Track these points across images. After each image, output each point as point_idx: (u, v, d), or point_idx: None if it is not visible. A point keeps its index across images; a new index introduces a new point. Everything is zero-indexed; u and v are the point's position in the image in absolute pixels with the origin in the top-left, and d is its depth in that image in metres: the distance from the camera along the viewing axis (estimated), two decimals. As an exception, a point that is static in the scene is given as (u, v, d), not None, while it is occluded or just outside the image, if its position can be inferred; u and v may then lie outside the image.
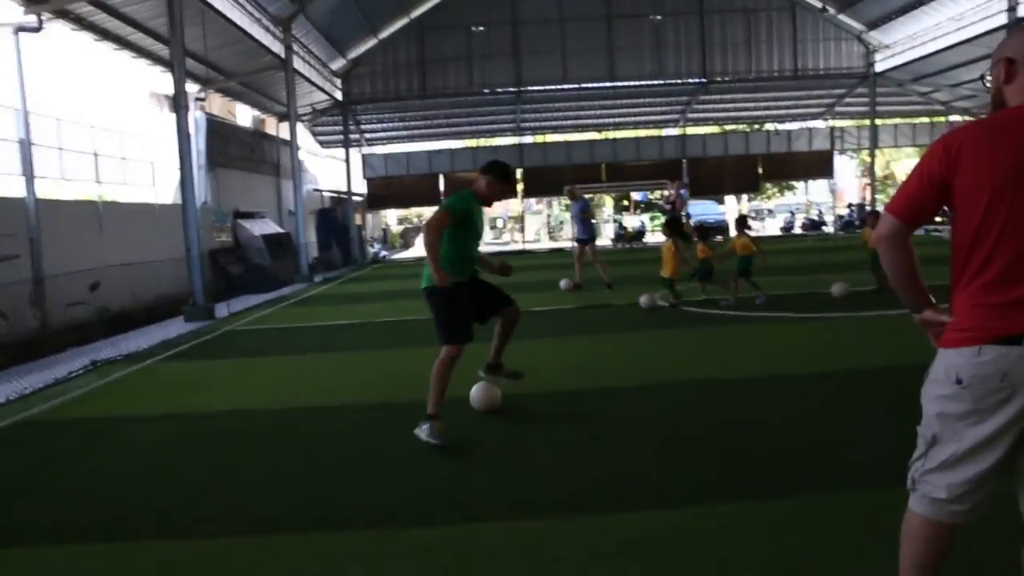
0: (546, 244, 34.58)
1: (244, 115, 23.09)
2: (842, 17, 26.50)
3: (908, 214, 2.03)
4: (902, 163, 42.68)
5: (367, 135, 29.92)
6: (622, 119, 30.49)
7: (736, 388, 5.49)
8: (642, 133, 31.83)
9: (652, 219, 39.88)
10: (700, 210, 33.12)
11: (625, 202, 50.37)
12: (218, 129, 19.61)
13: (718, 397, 5.28)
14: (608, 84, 26.51)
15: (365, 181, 28.18)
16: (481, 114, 28.56)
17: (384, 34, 25.00)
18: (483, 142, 33.00)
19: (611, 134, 31.78)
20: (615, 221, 35.68)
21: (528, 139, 30.63)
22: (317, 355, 7.96)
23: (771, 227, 36.65)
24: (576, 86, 26.48)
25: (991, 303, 1.91)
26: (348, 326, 10.12)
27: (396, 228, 45.25)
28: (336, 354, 7.96)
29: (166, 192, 17.50)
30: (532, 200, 35.59)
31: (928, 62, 25.07)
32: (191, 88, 15.91)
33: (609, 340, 7.86)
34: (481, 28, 23.95)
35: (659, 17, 25.93)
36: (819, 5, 26.36)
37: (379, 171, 28.27)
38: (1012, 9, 20.21)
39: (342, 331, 9.72)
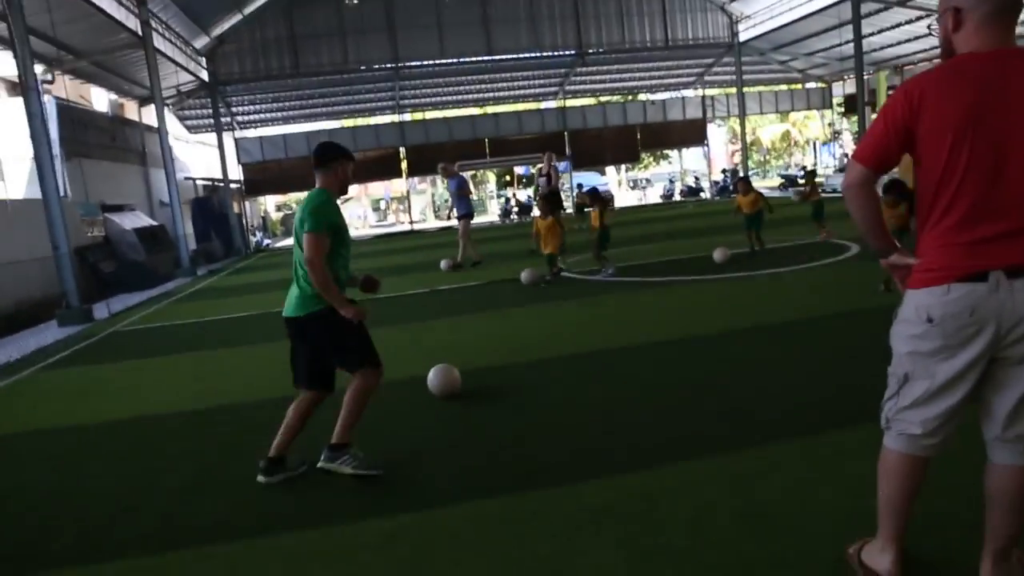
0: (433, 223, 34.27)
1: (100, 99, 21.25)
2: (707, -12, 27.56)
3: (874, 160, 2.08)
4: (767, 128, 45.25)
5: (239, 118, 28.38)
6: (502, 93, 30.49)
7: (656, 350, 5.63)
8: (522, 107, 32.01)
9: (535, 192, 40.43)
10: (583, 182, 33.84)
11: (508, 177, 50.76)
12: (72, 115, 17.96)
13: (644, 360, 5.39)
14: (486, 58, 26.35)
15: (240, 167, 26.77)
16: (359, 92, 27.72)
17: (249, 9, 23.63)
18: (361, 121, 32.13)
19: (492, 109, 31.71)
20: (501, 197, 35.83)
21: (408, 116, 30.07)
22: (217, 351, 7.48)
23: (651, 196, 37.92)
24: (454, 61, 26.16)
25: (957, 242, 1.99)
26: (245, 319, 9.59)
27: (275, 215, 43.42)
28: (239, 349, 7.52)
29: (16, 186, 15.89)
30: (416, 179, 35.02)
31: (785, 32, 26.56)
32: (37, 69, 14.43)
33: (512, 314, 7.87)
34: (354, 2, 23.07)
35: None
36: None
37: (255, 156, 26.90)
38: (858, -20, 21.65)
39: (240, 324, 9.21)
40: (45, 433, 5.03)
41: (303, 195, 32.77)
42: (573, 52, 27.06)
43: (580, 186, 22.87)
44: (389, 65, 25.38)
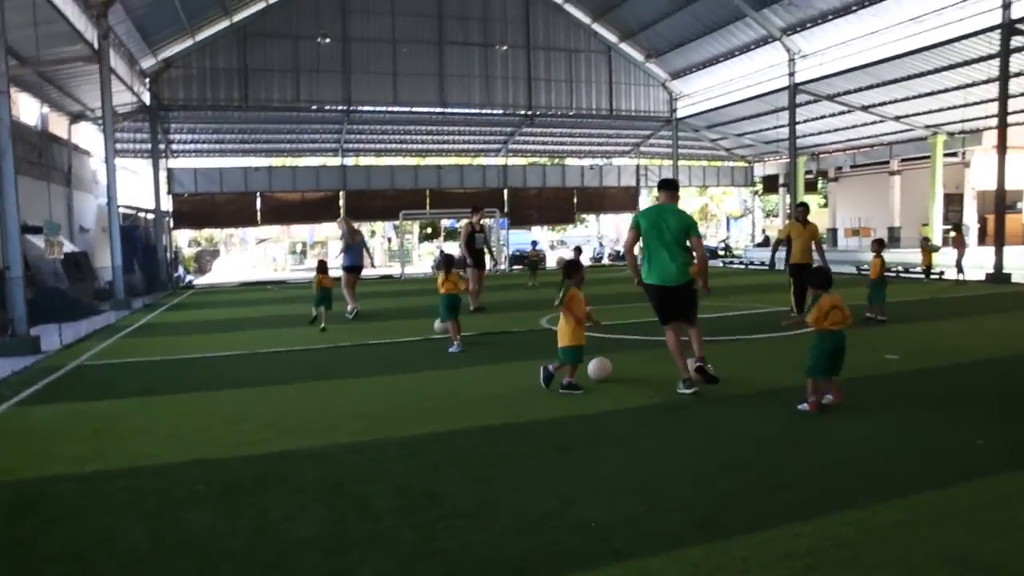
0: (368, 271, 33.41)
1: (29, 111, 19.68)
2: (650, 65, 28.92)
3: None
4: (686, 201, 47.27)
5: (174, 146, 27.03)
6: (447, 146, 30.56)
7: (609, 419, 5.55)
8: (465, 161, 32.19)
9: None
10: (517, 239, 34.17)
11: (429, 229, 50.58)
12: None
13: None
14: (438, 110, 26.43)
15: (171, 197, 25.38)
16: (304, 131, 27.09)
17: (203, 35, 22.81)
18: (302, 161, 31.33)
19: (434, 160, 31.67)
20: (439, 250, 35.57)
21: (350, 160, 29.57)
22: (217, 392, 6.79)
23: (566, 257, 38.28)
24: (407, 109, 26.08)
25: None
26: (225, 359, 8.85)
27: (187, 250, 41.29)
28: (245, 390, 6.82)
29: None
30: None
31: (719, 112, 28.15)
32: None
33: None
34: (326, 41, 22.87)
35: (503, 48, 26.47)
36: (633, 54, 28.55)
37: (187, 187, 25.62)
38: (792, 74, 23.36)
39: (223, 364, 8.48)
40: (92, 479, 4.34)
41: (238, 231, 31.18)
42: (524, 112, 27.58)
43: (535, 243, 22.97)
44: (341, 107, 24.99)
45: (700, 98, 28.75)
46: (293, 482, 4.16)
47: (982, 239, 26.23)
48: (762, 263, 26.47)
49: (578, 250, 14.63)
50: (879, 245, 11.07)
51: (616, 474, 4.13)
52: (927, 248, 17.76)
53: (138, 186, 25.91)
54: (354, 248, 13.24)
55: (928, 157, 26.34)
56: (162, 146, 24.72)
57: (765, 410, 5.61)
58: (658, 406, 5.76)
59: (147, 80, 22.27)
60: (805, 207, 11.92)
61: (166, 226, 24.83)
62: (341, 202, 27.72)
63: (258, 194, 26.66)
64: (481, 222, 13.71)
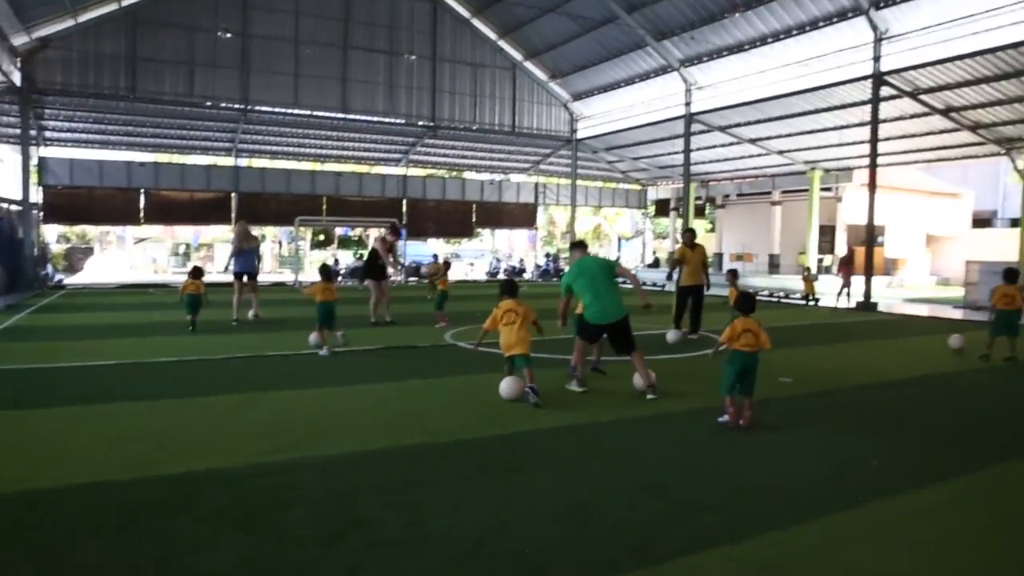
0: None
1: None
2: (553, 85, 29.49)
3: None
4: (585, 220, 48.37)
5: (48, 133, 24.97)
6: (347, 152, 29.89)
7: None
8: (364, 169, 31.61)
9: (356, 255, 39.69)
10: (414, 251, 33.88)
11: (322, 236, 49.31)
12: None
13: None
14: (340, 115, 25.83)
15: (40, 188, 23.42)
16: (197, 128, 25.70)
17: (86, 17, 21.24)
18: (192, 159, 29.73)
19: (333, 167, 30.90)
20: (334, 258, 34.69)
21: (244, 162, 28.37)
22: (102, 406, 6.23)
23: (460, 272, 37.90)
24: (308, 112, 25.31)
25: None
26: (111, 368, 8.20)
27: (56, 247, 38.22)
28: (127, 404, 6.28)
29: None
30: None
31: (617, 136, 29.06)
32: None
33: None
34: (227, 35, 21.86)
35: (412, 57, 26.23)
36: (538, 73, 29.03)
37: (61, 179, 23.74)
38: (688, 104, 24.45)
39: (106, 373, 7.85)
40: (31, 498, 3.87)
41: (118, 229, 29.14)
42: (428, 124, 27.42)
43: (435, 256, 22.78)
44: (237, 106, 23.93)
45: (600, 120, 29.56)
46: (200, 508, 3.86)
47: (839, 269, 28.39)
48: (654, 284, 27.51)
49: (447, 264, 14.97)
50: (733, 276, 11.73)
51: (542, 498, 4.10)
52: (807, 278, 19.05)
53: (3, 174, 23.79)
54: (245, 253, 13.03)
55: (806, 190, 28.26)
56: (33, 132, 22.78)
57: (682, 431, 5.76)
58: (577, 427, 5.79)
59: (18, 59, 20.48)
60: (692, 232, 12.64)
61: (35, 220, 22.88)
62: (233, 204, 26.51)
63: (142, 191, 25.07)
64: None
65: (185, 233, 41.82)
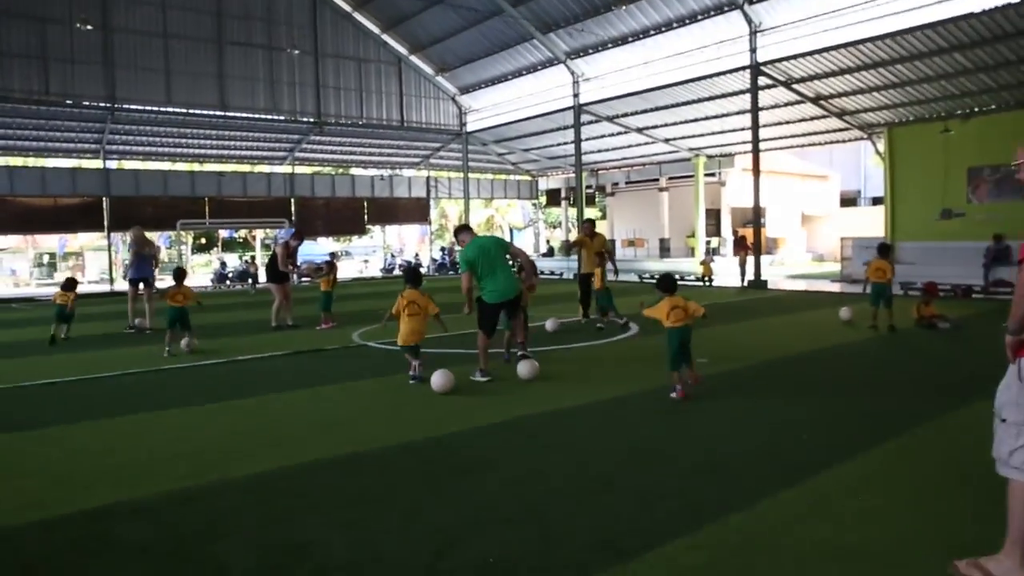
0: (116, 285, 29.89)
1: None
2: (440, 79, 29.16)
3: None
4: (477, 212, 48.24)
5: None
6: (228, 152, 28.37)
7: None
8: (246, 168, 30.16)
9: (241, 258, 37.96)
10: (307, 251, 32.74)
11: (204, 240, 46.82)
12: None
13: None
14: (218, 113, 24.47)
15: None
16: (57, 128, 23.56)
17: (-82, 8, 19.08)
18: (53, 162, 27.31)
19: (214, 166, 29.26)
20: (219, 261, 32.93)
21: (114, 164, 26.33)
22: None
23: (352, 269, 37.05)
24: (183, 111, 23.81)
25: None
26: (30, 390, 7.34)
27: None
28: (10, 435, 5.66)
29: None
30: (117, 235, 30.55)
31: (506, 128, 29.12)
32: None
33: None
34: (87, 27, 20.08)
35: (295, 52, 25.14)
36: (424, 67, 28.62)
37: None
38: (576, 95, 24.82)
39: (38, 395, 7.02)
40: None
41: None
42: (311, 120, 26.46)
43: (332, 255, 22.01)
44: (103, 104, 22.16)
45: (489, 113, 29.53)
46: (117, 549, 3.43)
47: (735, 250, 29.79)
48: (551, 272, 27.87)
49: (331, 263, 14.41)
50: (601, 259, 11.76)
51: (494, 502, 3.93)
52: (705, 263, 19.88)
53: None
54: (142, 260, 12.67)
55: (692, 176, 29.37)
56: None
57: (617, 419, 5.73)
58: (511, 422, 5.65)
59: None
60: (591, 222, 12.88)
61: None
62: (105, 209, 24.59)
63: (-7, 197, 22.81)
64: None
65: (49, 242, 38.57)
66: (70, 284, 11.54)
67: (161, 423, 5.91)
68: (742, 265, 19.98)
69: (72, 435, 5.61)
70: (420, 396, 6.61)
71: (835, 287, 18.93)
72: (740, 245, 20.80)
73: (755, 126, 19.46)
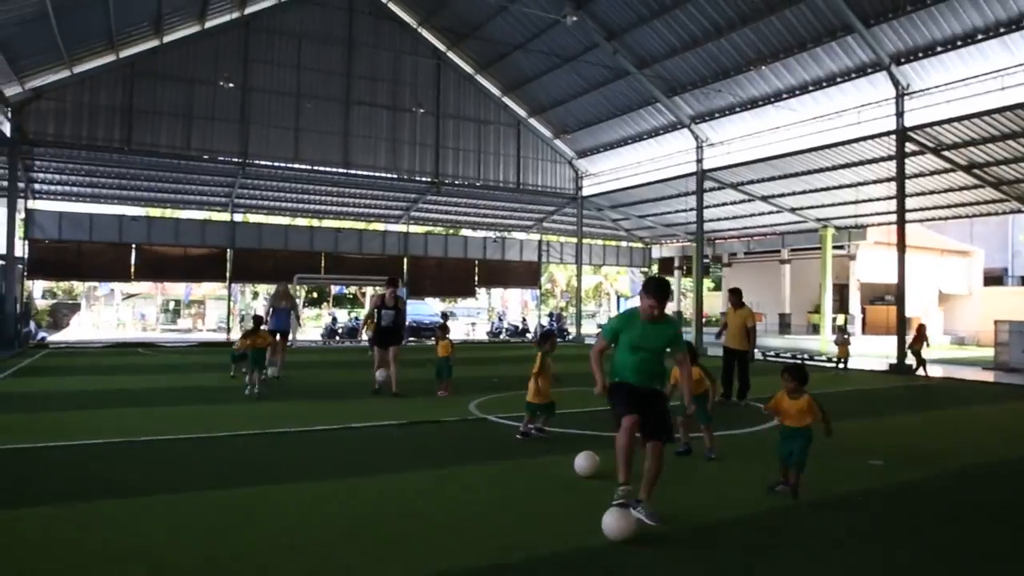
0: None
1: None
2: (559, 143, 29.03)
3: None
4: (586, 279, 47.61)
5: (36, 185, 24.02)
6: (346, 208, 29.09)
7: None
8: (361, 225, 30.84)
9: (350, 314, 38.62)
10: (417, 311, 32.86)
11: (315, 294, 48.24)
12: None
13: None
14: (341, 171, 25.12)
15: (26, 242, 22.37)
16: (192, 182, 24.87)
17: (83, 67, 20.60)
18: (186, 213, 28.86)
19: (332, 223, 30.07)
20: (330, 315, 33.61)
21: (240, 217, 27.44)
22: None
23: (459, 331, 36.72)
24: (308, 167, 24.58)
25: None
26: (106, 448, 7.03)
27: (41, 302, 36.95)
28: (124, 501, 5.20)
29: None
30: (237, 286, 31.79)
31: (623, 194, 28.47)
32: None
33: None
34: (229, 85, 21.35)
35: (420, 110, 25.74)
36: (542, 130, 28.62)
37: (50, 232, 22.74)
38: (700, 161, 23.93)
39: (103, 456, 6.69)
40: None
41: (110, 284, 27.97)
42: (429, 180, 26.77)
43: (444, 315, 21.75)
44: (236, 159, 23.19)
45: (606, 178, 29.04)
46: None
47: (864, 328, 27.60)
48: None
49: (444, 325, 13.54)
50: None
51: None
52: (843, 343, 17.80)
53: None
54: (279, 312, 13.54)
55: (816, 248, 27.62)
56: (22, 184, 21.84)
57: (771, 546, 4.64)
58: (676, 534, 4.67)
59: (9, 110, 19.71)
60: (735, 292, 11.66)
61: (19, 275, 21.77)
62: (228, 260, 25.51)
63: (133, 246, 24.04)
64: (395, 296, 11.52)
65: (176, 290, 40.72)
66: (258, 321, 11.72)
67: (275, 500, 5.30)
68: (917, 355, 16.38)
69: (178, 507, 5.06)
70: (560, 484, 5.74)
71: (987, 375, 16.88)
72: (919, 334, 16.64)
73: (900, 195, 17.89)
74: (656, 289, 4.93)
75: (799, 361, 6.03)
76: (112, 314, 39.81)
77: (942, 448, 7.84)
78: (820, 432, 5.58)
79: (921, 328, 16.80)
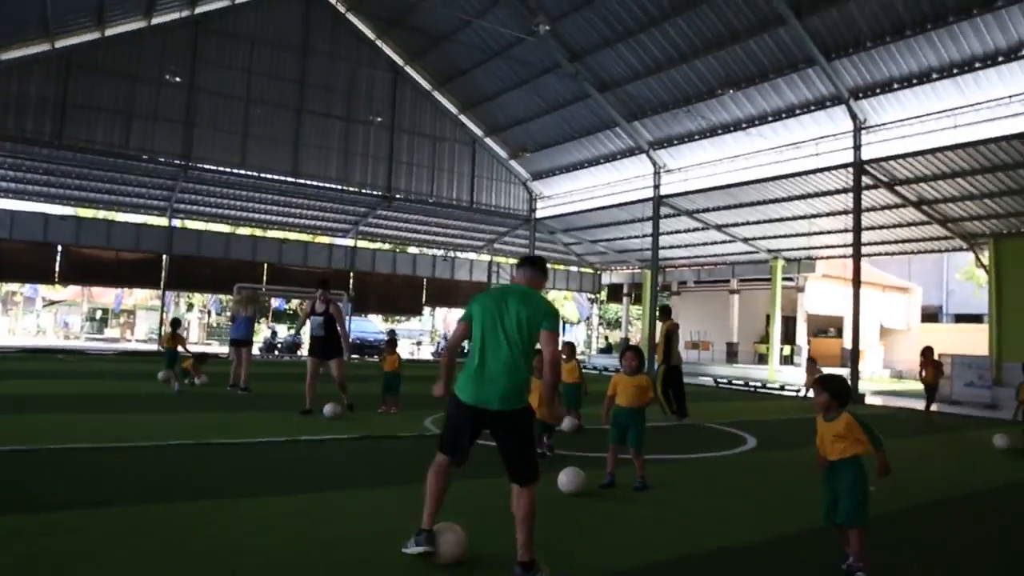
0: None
1: None
2: (513, 164, 28.71)
3: None
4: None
5: (-50, 180, 22.33)
6: (293, 219, 28.03)
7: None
8: (307, 237, 29.80)
9: (289, 328, 37.25)
10: (362, 328, 31.85)
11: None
12: None
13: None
14: (289, 179, 24.16)
15: (-62, 241, 20.70)
16: (129, 183, 23.46)
17: (9, 55, 19.24)
18: (121, 216, 27.28)
19: (277, 233, 28.93)
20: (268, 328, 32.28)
21: (177, 223, 26.04)
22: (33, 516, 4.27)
23: (403, 351, 35.92)
24: (255, 174, 23.53)
25: None
26: (26, 456, 6.09)
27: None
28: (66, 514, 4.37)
29: None
30: (170, 294, 30.19)
31: (579, 217, 28.26)
32: None
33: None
34: (166, 76, 20.20)
35: (378, 119, 25.02)
36: (498, 150, 28.26)
37: (-35, 230, 21.10)
38: (657, 187, 23.89)
39: (25, 464, 5.75)
40: None
41: (34, 287, 26.04)
42: (382, 194, 26.02)
43: (392, 333, 20.95)
44: (177, 161, 22.00)
45: (561, 200, 28.82)
46: None
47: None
48: (605, 368, 26.41)
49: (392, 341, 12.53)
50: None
51: None
52: (813, 371, 17.18)
53: None
54: (244, 320, 12.66)
55: (766, 279, 27.88)
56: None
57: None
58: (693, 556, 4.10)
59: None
60: (665, 307, 12.67)
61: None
62: (163, 266, 24.13)
63: (59, 246, 22.47)
64: (326, 300, 9.98)
65: (105, 298, 38.56)
66: (176, 324, 13.91)
67: (220, 516, 4.52)
68: (929, 386, 14.62)
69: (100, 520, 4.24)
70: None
71: (933, 407, 17.08)
72: (933, 364, 14.80)
73: (857, 228, 18.07)
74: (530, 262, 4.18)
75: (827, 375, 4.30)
76: (31, 321, 37.36)
77: (919, 476, 7.53)
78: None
79: (938, 364, 14.98)
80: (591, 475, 5.94)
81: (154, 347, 25.08)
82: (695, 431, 10.54)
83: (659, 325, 12.48)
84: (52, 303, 39.18)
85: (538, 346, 3.84)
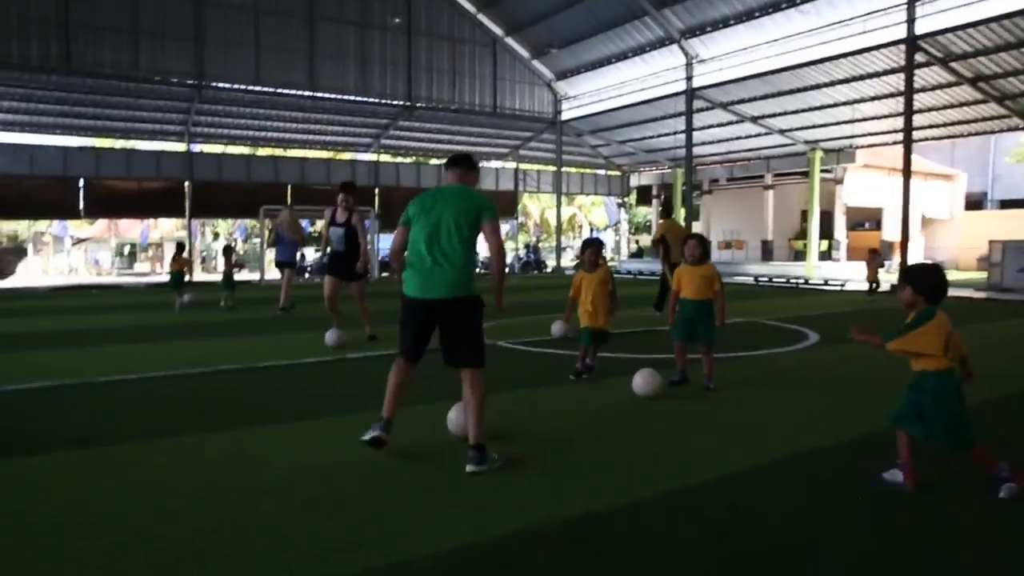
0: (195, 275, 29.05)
1: None
2: (536, 64, 27.41)
3: None
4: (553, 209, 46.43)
5: (-35, 115, 21.83)
6: (314, 136, 27.26)
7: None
8: (329, 154, 29.11)
9: (316, 250, 37.05)
10: (388, 244, 31.48)
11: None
12: None
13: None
14: (307, 93, 23.28)
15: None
16: (144, 108, 22.80)
17: (9, -23, 18.40)
18: (139, 144, 26.74)
19: (297, 152, 28.25)
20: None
21: (197, 147, 25.46)
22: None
23: None
24: (272, 90, 22.66)
25: None
26: (61, 390, 5.84)
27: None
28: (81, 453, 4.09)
29: None
30: (197, 221, 29.93)
31: (607, 117, 27.14)
32: None
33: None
34: None
35: (396, 20, 23.81)
36: (520, 50, 26.92)
37: (-16, 166, 20.74)
38: (689, 79, 22.67)
39: (54, 399, 5.51)
40: None
41: (58, 223, 25.90)
42: (403, 103, 25.07)
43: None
44: (191, 81, 21.21)
45: (587, 100, 27.64)
46: None
47: (849, 255, 27.08)
48: (650, 272, 25.90)
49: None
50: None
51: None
52: (873, 262, 16.70)
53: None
54: (287, 243, 12.69)
55: (802, 172, 26.83)
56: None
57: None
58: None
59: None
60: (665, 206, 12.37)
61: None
62: (186, 194, 23.75)
63: (81, 180, 22.13)
64: (348, 208, 8.95)
65: (131, 233, 38.50)
66: (180, 248, 14.17)
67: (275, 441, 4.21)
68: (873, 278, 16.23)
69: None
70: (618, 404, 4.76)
71: (980, 295, 16.61)
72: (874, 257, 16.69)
73: (908, 111, 16.94)
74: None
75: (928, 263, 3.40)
76: (63, 260, 37.53)
77: (999, 367, 7.08)
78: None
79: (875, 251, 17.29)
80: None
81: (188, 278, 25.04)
82: (750, 328, 10.12)
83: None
84: (80, 241, 39.22)
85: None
